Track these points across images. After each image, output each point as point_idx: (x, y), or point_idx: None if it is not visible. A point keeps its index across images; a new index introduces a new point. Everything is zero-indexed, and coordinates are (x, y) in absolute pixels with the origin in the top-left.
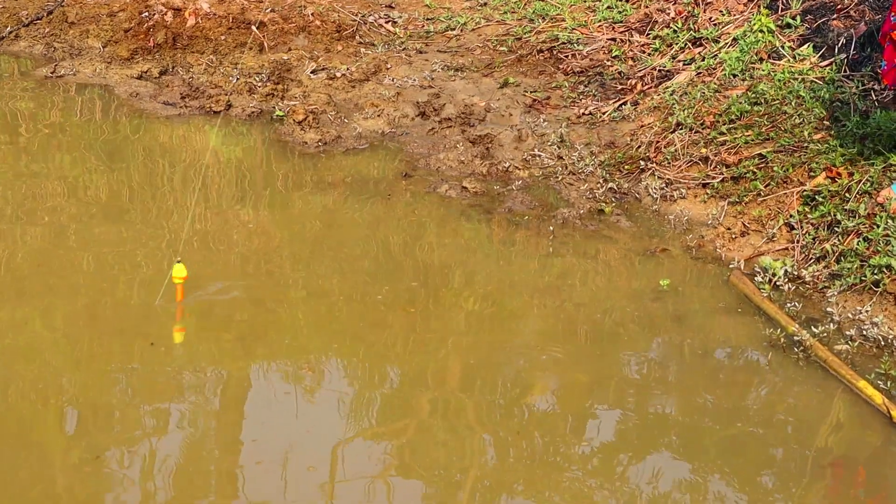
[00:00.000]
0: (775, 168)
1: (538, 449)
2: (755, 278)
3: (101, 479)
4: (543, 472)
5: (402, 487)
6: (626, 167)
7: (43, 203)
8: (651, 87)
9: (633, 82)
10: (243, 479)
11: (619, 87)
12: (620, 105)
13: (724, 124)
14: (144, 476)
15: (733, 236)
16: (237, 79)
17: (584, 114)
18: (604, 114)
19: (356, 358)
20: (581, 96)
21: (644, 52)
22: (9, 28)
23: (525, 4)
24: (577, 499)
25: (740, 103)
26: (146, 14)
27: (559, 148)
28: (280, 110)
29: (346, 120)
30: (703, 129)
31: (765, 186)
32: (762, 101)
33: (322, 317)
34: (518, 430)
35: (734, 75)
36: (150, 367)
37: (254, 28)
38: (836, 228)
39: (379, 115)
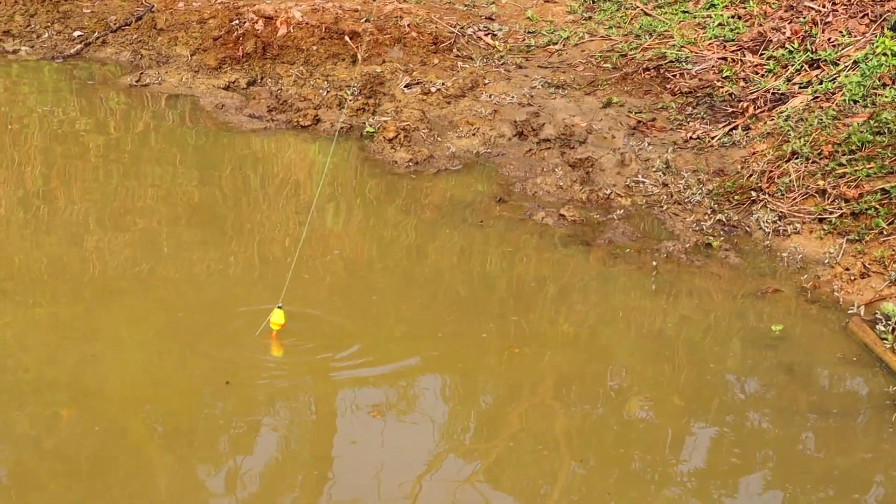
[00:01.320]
0: None
1: None
2: (877, 326)
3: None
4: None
5: (490, 496)
6: (735, 197)
7: (132, 216)
8: (764, 111)
9: (745, 105)
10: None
11: (730, 109)
12: (731, 130)
13: (843, 155)
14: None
15: (852, 278)
16: (327, 91)
17: (691, 138)
18: (713, 138)
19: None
20: (689, 119)
21: (757, 74)
22: (96, 34)
23: (631, 19)
24: None
25: (862, 132)
26: (236, 22)
27: (664, 174)
28: (371, 126)
29: (439, 138)
30: (820, 159)
31: (888, 224)
32: (886, 130)
33: (418, 353)
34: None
35: (854, 101)
36: (239, 385)
37: (347, 39)
38: None
39: (474, 134)
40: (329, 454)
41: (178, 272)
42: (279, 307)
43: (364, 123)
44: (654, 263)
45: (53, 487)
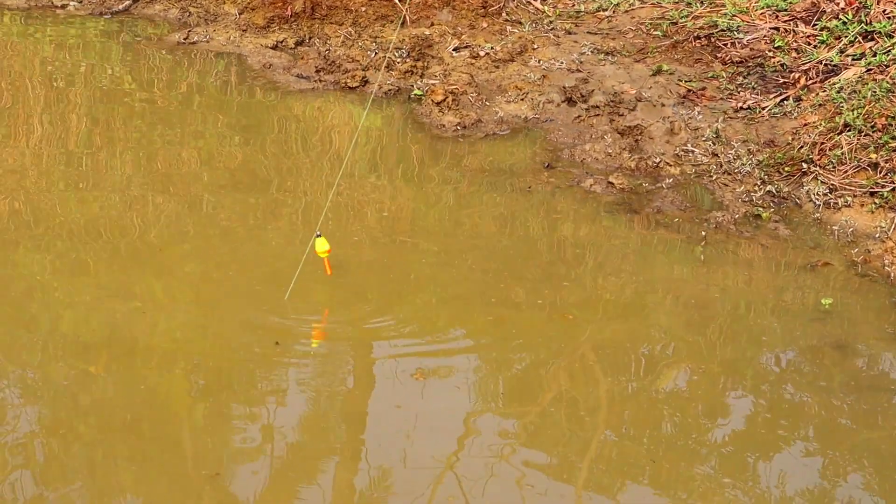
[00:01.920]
0: None
1: None
2: None
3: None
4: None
5: (526, 461)
6: (786, 169)
7: (175, 175)
8: (816, 83)
9: (797, 76)
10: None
11: (781, 80)
12: (782, 100)
13: None
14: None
15: None
16: (376, 53)
17: (741, 108)
18: (763, 109)
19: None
20: (739, 89)
21: (809, 44)
22: None
23: None
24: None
25: None
26: None
27: (714, 144)
28: (419, 89)
29: (487, 102)
30: (873, 132)
31: None
32: None
33: (469, 318)
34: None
35: None
36: (281, 346)
37: (396, 0)
38: None
39: (522, 99)
40: (367, 413)
41: (221, 232)
42: (318, 235)
43: (412, 86)
44: (703, 234)
45: (87, 443)
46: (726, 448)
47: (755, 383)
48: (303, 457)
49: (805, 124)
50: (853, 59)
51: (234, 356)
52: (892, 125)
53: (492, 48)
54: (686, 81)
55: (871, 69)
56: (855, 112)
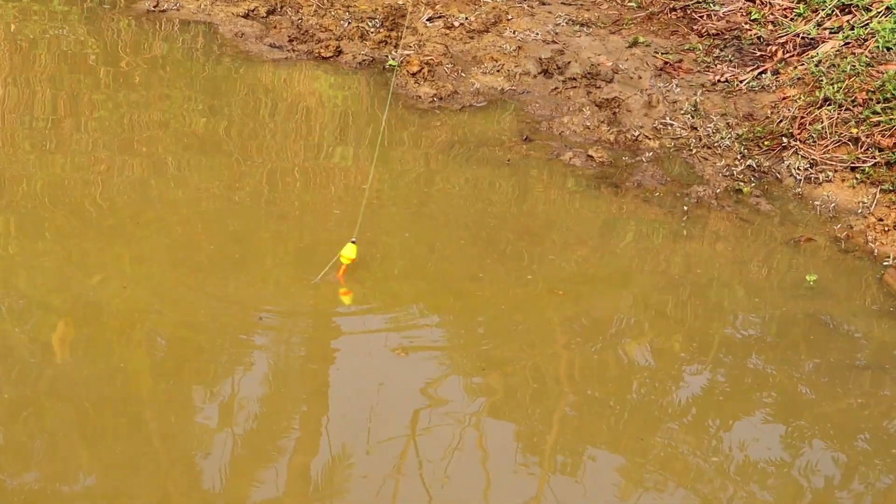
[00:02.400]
0: None
1: None
2: None
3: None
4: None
5: (491, 429)
6: (765, 143)
7: (142, 136)
8: (793, 56)
9: (774, 49)
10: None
11: (758, 53)
12: (759, 74)
13: (878, 103)
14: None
15: (886, 228)
16: (349, 23)
17: (719, 81)
18: (741, 82)
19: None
20: (716, 61)
21: (786, 17)
22: None
23: None
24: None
25: None
26: None
27: (693, 117)
28: (393, 60)
29: (462, 74)
30: (854, 106)
31: None
32: None
33: (451, 294)
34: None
35: (888, 48)
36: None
37: None
38: None
39: (499, 71)
40: (332, 385)
41: (188, 201)
42: (353, 242)
43: (386, 56)
44: (685, 208)
45: (51, 415)
46: (709, 420)
47: (740, 358)
48: (267, 429)
49: (784, 98)
50: (830, 33)
51: (200, 326)
52: (872, 99)
53: (466, 18)
54: (663, 54)
55: (849, 43)
56: (835, 86)
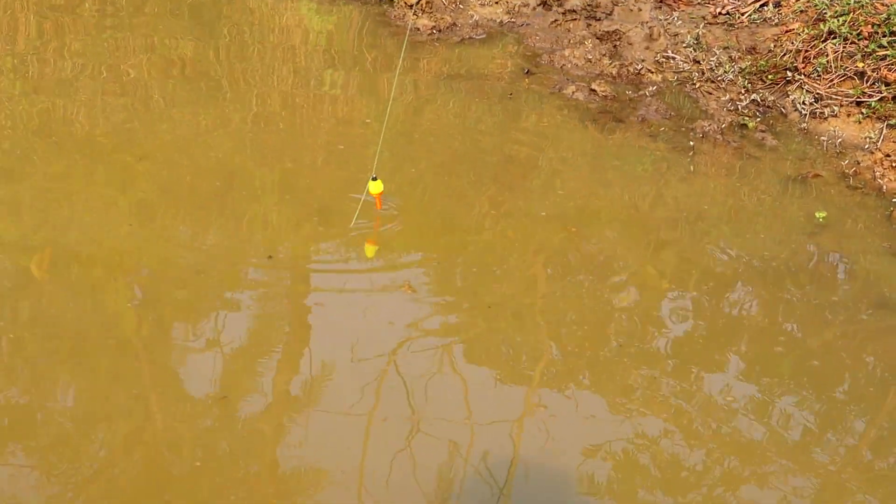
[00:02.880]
0: None
1: None
2: None
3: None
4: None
5: (472, 372)
6: (769, 77)
7: (126, 73)
8: None
9: None
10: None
11: None
12: (761, 6)
13: (883, 36)
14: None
15: (894, 164)
16: None
17: (720, 13)
18: (743, 14)
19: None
20: None
21: None
22: None
23: None
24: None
25: None
26: None
27: (695, 51)
28: None
29: (461, 6)
30: (859, 39)
31: None
32: None
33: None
34: None
35: None
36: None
37: None
38: None
39: (497, 2)
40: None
41: (169, 134)
42: (374, 178)
43: None
44: (691, 143)
45: (28, 346)
46: (720, 354)
47: (751, 295)
48: (250, 352)
49: (787, 31)
50: None
51: (182, 261)
52: (878, 33)
53: None
54: None
55: None
56: (839, 19)
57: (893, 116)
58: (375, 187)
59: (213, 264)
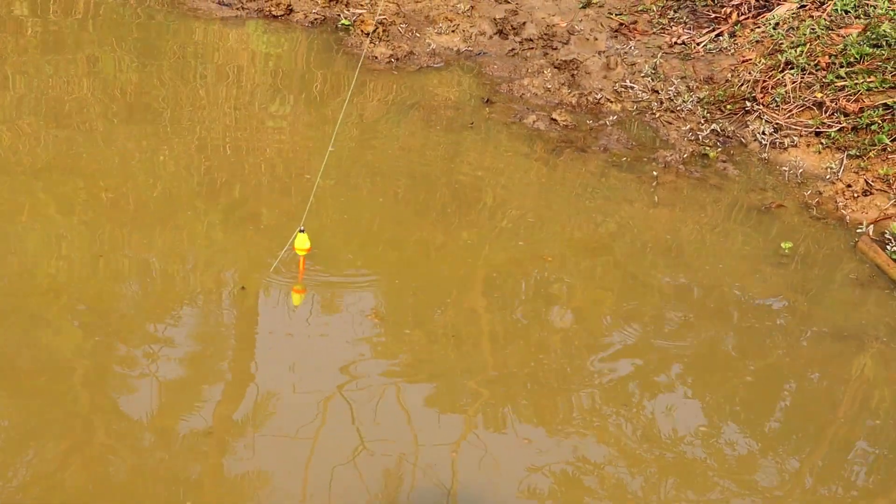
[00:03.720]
0: None
1: None
2: (887, 246)
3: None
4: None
5: (411, 392)
6: (727, 107)
7: (69, 95)
8: (748, 18)
9: (728, 11)
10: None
11: (713, 15)
12: (717, 36)
13: (841, 67)
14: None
15: (855, 195)
16: None
17: (676, 43)
18: (698, 45)
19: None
20: (671, 23)
21: None
22: None
23: None
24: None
25: (859, 45)
26: None
27: (653, 80)
28: (346, 19)
29: (417, 34)
30: (817, 70)
31: (891, 140)
32: (884, 43)
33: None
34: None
35: (846, 11)
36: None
37: None
38: None
39: (454, 31)
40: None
41: (116, 158)
42: (301, 231)
43: (338, 15)
44: (654, 173)
45: None
46: (693, 393)
47: (718, 328)
48: (191, 380)
49: (744, 61)
50: None
51: (123, 287)
52: (835, 63)
53: None
54: (616, 15)
55: (805, 6)
56: (797, 50)
57: (853, 147)
58: (301, 242)
59: (156, 289)
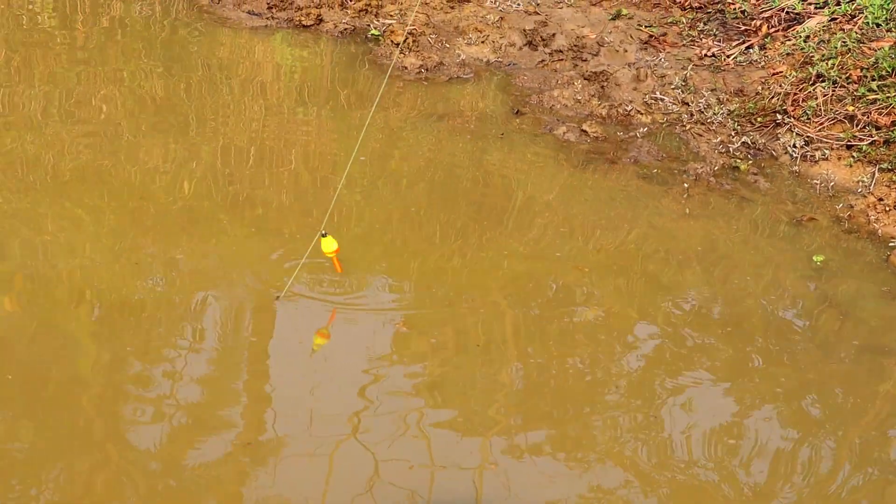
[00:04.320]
0: None
1: None
2: None
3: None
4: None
5: (432, 401)
6: (758, 119)
7: (96, 104)
8: (778, 31)
9: (758, 23)
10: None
11: (742, 27)
12: (746, 48)
13: (873, 80)
14: None
15: (887, 208)
16: None
17: (706, 55)
18: (728, 57)
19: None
20: (701, 35)
21: None
22: None
23: None
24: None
25: (891, 58)
26: None
27: (683, 92)
28: (375, 29)
29: (447, 45)
30: (848, 83)
31: None
32: None
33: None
34: None
35: (877, 24)
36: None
37: None
38: None
39: (483, 42)
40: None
41: (140, 168)
42: (324, 234)
43: (367, 25)
44: (685, 185)
45: None
46: (726, 404)
47: (750, 341)
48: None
49: (774, 73)
50: (816, 8)
51: (145, 295)
52: (867, 77)
53: None
54: (646, 27)
55: (835, 18)
56: (828, 63)
57: (885, 160)
58: (328, 246)
59: (182, 294)
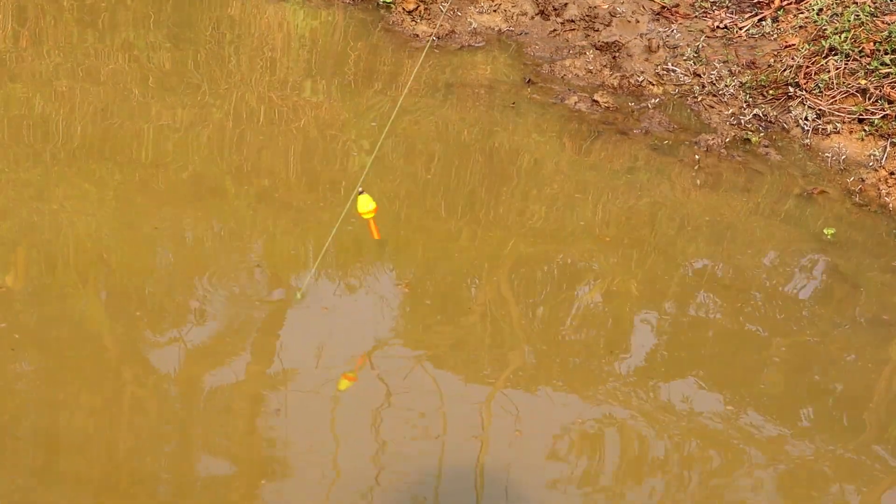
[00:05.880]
0: None
1: None
2: None
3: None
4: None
5: (438, 375)
6: (770, 92)
7: (106, 67)
8: (791, 3)
9: None
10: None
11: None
12: (759, 20)
13: (886, 54)
14: None
15: None
16: None
17: (718, 27)
18: (741, 29)
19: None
20: (713, 7)
21: None
22: None
23: None
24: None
25: None
26: None
27: (695, 64)
28: None
29: (458, 13)
30: (861, 56)
31: None
32: None
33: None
34: None
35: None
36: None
37: None
38: None
39: (495, 11)
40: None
41: (150, 132)
42: (360, 192)
43: None
44: (696, 157)
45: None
46: (736, 377)
47: (763, 312)
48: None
49: (787, 46)
50: None
51: (147, 261)
52: (880, 50)
53: None
54: None
55: None
56: (841, 36)
57: None
58: (364, 205)
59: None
